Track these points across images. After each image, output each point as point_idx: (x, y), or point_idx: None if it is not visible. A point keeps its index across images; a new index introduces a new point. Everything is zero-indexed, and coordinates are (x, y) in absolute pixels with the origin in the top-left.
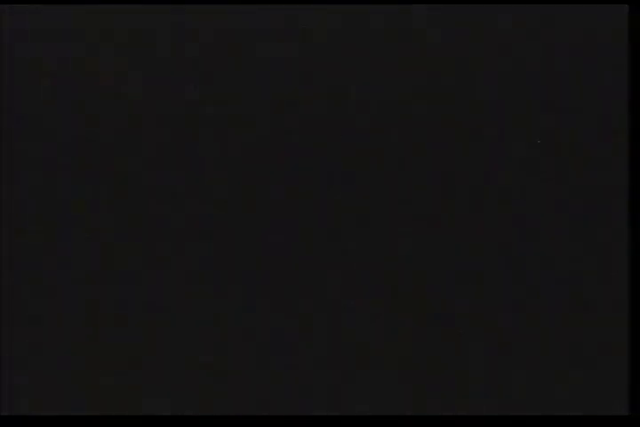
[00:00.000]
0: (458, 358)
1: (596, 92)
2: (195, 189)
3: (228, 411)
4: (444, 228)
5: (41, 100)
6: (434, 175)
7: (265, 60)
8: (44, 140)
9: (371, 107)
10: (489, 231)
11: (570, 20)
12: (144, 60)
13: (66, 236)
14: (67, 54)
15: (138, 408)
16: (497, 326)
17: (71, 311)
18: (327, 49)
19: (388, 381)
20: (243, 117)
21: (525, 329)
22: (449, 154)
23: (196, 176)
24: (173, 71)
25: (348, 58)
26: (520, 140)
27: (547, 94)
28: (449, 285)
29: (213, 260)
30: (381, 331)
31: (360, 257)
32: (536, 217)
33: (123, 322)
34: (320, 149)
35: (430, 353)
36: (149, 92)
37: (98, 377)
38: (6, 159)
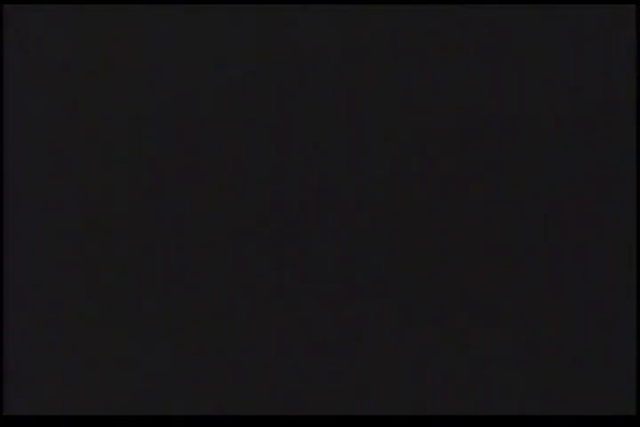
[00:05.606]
0: (460, 357)
1: (603, 93)
2: (195, 190)
3: (227, 411)
4: (445, 228)
5: (41, 101)
6: (433, 176)
7: (265, 59)
8: (44, 140)
9: (370, 108)
10: (490, 231)
11: (577, 20)
12: (144, 60)
13: (66, 235)
14: (67, 54)
15: (138, 408)
16: (504, 325)
17: (71, 311)
18: (326, 49)
19: (388, 380)
20: (242, 117)
21: (533, 329)
22: (452, 154)
23: (196, 177)
24: (173, 72)
25: (347, 58)
26: (527, 141)
27: (554, 95)
28: (450, 285)
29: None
30: (381, 331)
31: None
32: (539, 217)
33: (123, 322)
34: (319, 150)
35: (431, 353)
36: (149, 93)
37: (98, 377)
38: (7, 160)
